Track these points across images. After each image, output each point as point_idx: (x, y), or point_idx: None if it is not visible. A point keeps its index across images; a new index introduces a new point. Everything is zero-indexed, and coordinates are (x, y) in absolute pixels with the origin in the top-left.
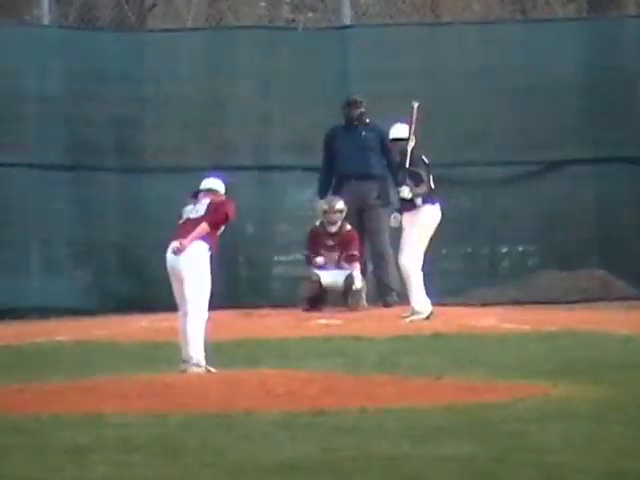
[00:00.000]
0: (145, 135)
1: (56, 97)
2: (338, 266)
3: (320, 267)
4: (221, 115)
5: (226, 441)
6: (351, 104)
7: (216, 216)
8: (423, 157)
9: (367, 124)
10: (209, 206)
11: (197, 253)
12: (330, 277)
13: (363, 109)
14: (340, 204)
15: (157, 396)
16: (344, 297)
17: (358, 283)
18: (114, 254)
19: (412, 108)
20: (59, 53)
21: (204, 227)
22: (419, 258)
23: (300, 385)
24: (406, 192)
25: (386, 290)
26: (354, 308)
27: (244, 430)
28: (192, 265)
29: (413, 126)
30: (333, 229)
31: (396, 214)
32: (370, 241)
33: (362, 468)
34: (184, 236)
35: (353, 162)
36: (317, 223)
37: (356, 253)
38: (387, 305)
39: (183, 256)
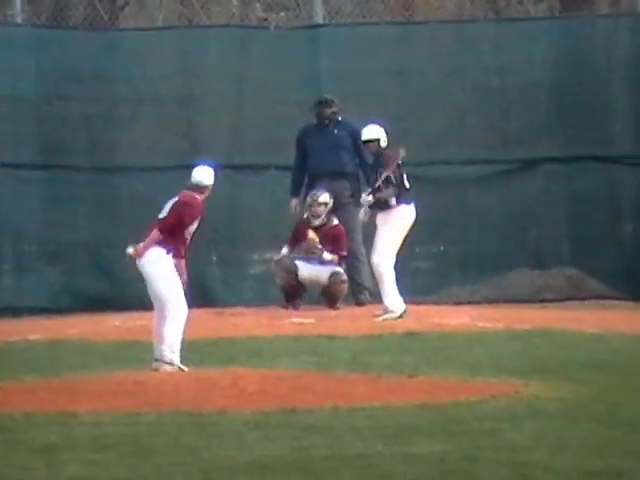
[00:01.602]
0: (117, 134)
1: (28, 96)
2: (321, 262)
3: (292, 257)
4: (193, 114)
5: (198, 440)
6: (322, 103)
7: (171, 221)
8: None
9: (339, 122)
10: (172, 207)
11: (153, 259)
12: (310, 271)
13: (335, 108)
14: (324, 197)
15: (129, 395)
16: (326, 294)
17: (346, 283)
18: (86, 253)
19: (398, 152)
20: (31, 52)
21: (154, 235)
22: (392, 257)
23: (272, 384)
24: (366, 200)
25: (359, 289)
26: (335, 306)
27: (216, 429)
28: (150, 270)
29: (389, 169)
30: (316, 222)
31: (365, 208)
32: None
33: (334, 467)
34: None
35: (325, 160)
36: (304, 217)
37: (345, 254)
38: (360, 304)
39: (142, 261)
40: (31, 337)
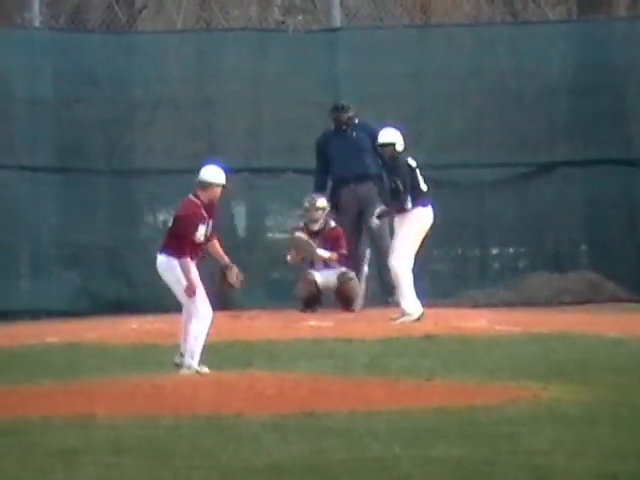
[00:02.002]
0: (134, 137)
1: (46, 99)
2: (326, 265)
3: (294, 264)
4: (211, 117)
5: (216, 443)
6: (339, 109)
7: (175, 233)
8: (409, 160)
9: (357, 125)
10: (173, 219)
11: (168, 267)
12: (322, 277)
13: (351, 113)
14: (322, 201)
15: (147, 398)
16: (338, 296)
17: (354, 280)
18: (104, 256)
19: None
20: (49, 55)
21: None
22: (409, 260)
23: (290, 387)
24: (374, 223)
25: (390, 290)
26: (350, 308)
27: (234, 432)
28: (169, 279)
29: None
30: (315, 227)
31: (375, 220)
32: (373, 241)
33: (352, 470)
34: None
35: (349, 165)
36: (301, 223)
37: (345, 252)
38: (390, 305)
39: (160, 270)
40: (49, 340)
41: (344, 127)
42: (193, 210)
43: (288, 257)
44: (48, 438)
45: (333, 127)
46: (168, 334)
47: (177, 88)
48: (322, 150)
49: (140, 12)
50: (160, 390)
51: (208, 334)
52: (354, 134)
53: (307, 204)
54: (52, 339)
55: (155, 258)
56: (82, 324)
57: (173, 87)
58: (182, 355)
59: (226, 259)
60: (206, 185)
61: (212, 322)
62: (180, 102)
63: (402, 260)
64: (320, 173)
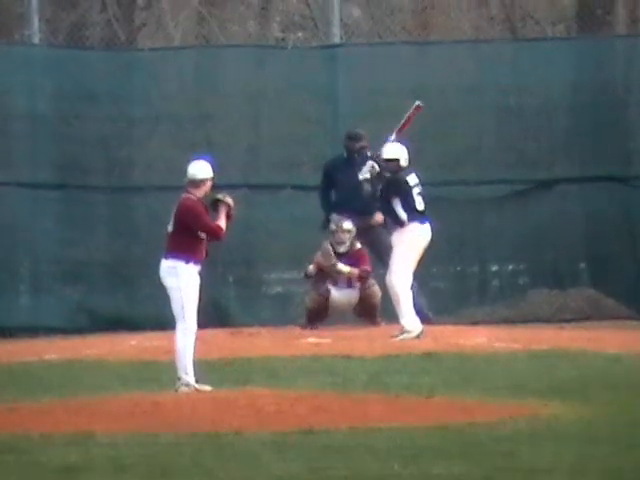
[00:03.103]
0: (134, 153)
1: (45, 115)
2: (349, 285)
3: (310, 276)
4: (210, 133)
5: (215, 461)
6: (352, 137)
7: (182, 230)
8: (409, 178)
9: (367, 157)
10: (175, 219)
11: (172, 271)
12: (341, 293)
13: (364, 142)
14: (348, 224)
15: (146, 416)
16: (363, 307)
17: (377, 286)
18: (103, 273)
19: (415, 106)
20: (48, 72)
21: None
22: (407, 277)
23: (289, 404)
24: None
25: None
26: (376, 321)
27: (233, 449)
28: (169, 283)
29: (403, 122)
30: (342, 249)
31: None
32: (381, 258)
33: None
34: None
35: (352, 200)
36: (329, 242)
37: (369, 269)
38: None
39: (162, 272)
40: (47, 357)
41: (355, 155)
42: (194, 203)
43: (310, 267)
44: (48, 456)
45: (345, 154)
46: (167, 351)
47: (176, 104)
48: (329, 175)
49: (139, 29)
50: (159, 407)
51: (195, 350)
52: (363, 192)
53: (334, 226)
54: (51, 356)
55: (155, 275)
56: (81, 341)
57: (172, 103)
58: (179, 378)
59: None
60: (198, 182)
61: (204, 340)
62: (179, 118)
63: (399, 277)
64: (324, 193)
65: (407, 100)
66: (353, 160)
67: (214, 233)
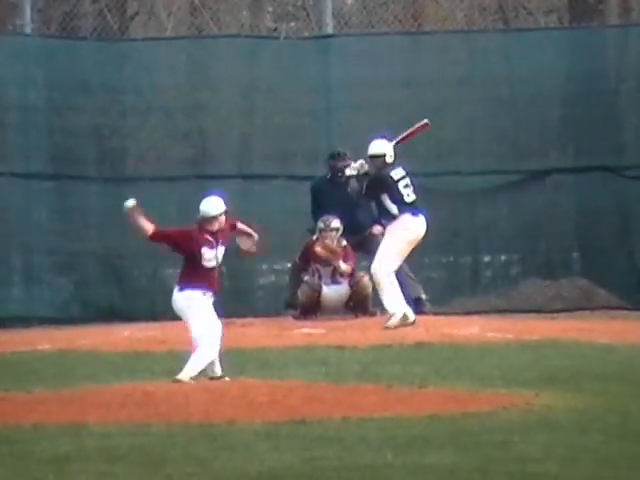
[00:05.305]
0: (126, 144)
1: (37, 106)
2: (334, 281)
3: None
4: (203, 124)
5: (208, 451)
6: (335, 157)
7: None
8: (392, 172)
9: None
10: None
11: (181, 297)
12: (331, 289)
13: (348, 161)
14: (336, 222)
15: (139, 406)
16: (354, 299)
17: (367, 278)
18: (96, 263)
19: (422, 123)
20: (41, 62)
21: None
22: (391, 266)
23: (282, 395)
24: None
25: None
26: (370, 311)
27: (226, 440)
28: (179, 308)
29: (406, 134)
30: None
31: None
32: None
33: (344, 478)
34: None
35: (341, 220)
36: (314, 237)
37: (353, 266)
38: (421, 313)
39: (173, 305)
40: (40, 347)
41: (339, 174)
42: (187, 232)
43: (317, 248)
44: (40, 446)
45: (329, 174)
46: (160, 341)
47: (169, 95)
48: (316, 196)
49: (132, 19)
50: (152, 398)
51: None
52: (349, 189)
53: (322, 224)
54: (44, 346)
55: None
56: (74, 331)
57: (165, 94)
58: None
59: (248, 230)
60: (210, 218)
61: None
62: (172, 109)
63: (382, 266)
64: (318, 215)
65: (399, 90)
66: (337, 179)
67: (199, 274)
